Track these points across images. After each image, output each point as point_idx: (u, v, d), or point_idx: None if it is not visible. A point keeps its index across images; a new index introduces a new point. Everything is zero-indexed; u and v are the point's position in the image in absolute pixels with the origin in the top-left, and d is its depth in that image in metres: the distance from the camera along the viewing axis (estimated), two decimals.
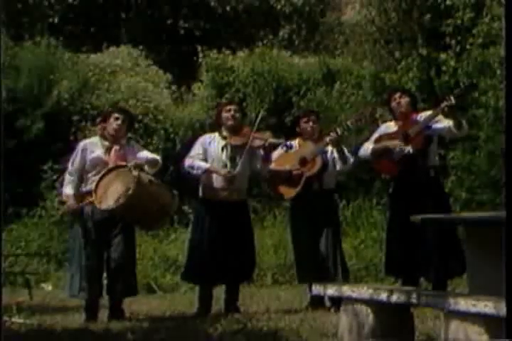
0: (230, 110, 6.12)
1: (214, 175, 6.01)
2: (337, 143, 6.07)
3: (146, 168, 5.80)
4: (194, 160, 6.05)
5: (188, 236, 6.57)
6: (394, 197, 6.14)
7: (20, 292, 5.90)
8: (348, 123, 6.19)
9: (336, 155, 6.15)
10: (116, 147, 5.81)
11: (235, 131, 6.08)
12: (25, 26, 14.41)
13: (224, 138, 6.09)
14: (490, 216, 4.53)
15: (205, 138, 6.20)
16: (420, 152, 5.86)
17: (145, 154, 5.98)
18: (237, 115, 6.15)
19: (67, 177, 5.89)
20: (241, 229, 6.06)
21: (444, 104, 5.67)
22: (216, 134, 6.17)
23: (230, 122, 6.08)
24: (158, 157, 6.09)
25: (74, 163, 5.84)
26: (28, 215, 10.18)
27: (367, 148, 6.12)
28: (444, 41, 9.59)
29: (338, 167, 6.17)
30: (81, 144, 5.94)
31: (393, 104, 6.07)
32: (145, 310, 6.34)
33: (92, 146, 5.86)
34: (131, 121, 6.19)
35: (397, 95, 6.07)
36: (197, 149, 6.12)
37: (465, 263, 5.10)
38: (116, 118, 5.85)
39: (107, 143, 5.84)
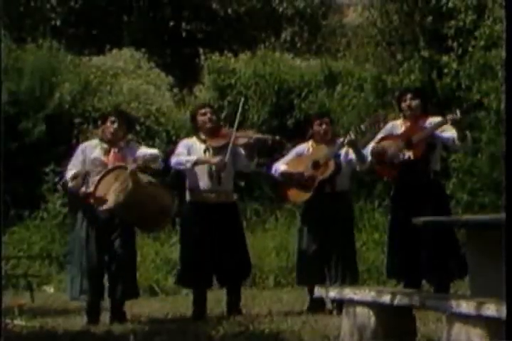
0: (205, 113, 6.12)
1: (200, 178, 5.98)
2: (354, 144, 6.01)
3: (148, 164, 5.81)
4: (180, 157, 6.04)
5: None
6: (395, 199, 6.13)
7: (22, 294, 5.91)
8: (362, 126, 6.13)
9: (352, 156, 6.09)
10: (114, 149, 5.84)
11: (213, 133, 6.08)
12: (28, 29, 14.41)
13: (203, 141, 6.09)
14: (490, 218, 4.52)
15: (187, 141, 6.22)
16: (421, 159, 5.84)
17: (143, 151, 5.97)
18: (214, 117, 6.15)
19: (69, 172, 5.89)
20: (232, 231, 6.02)
21: (449, 117, 5.63)
22: (194, 138, 6.18)
23: (207, 125, 6.08)
24: (156, 151, 6.09)
25: (74, 164, 5.87)
26: (30, 217, 10.17)
27: (369, 146, 6.07)
28: (446, 43, 9.57)
29: (357, 167, 6.14)
30: (81, 146, 6.01)
31: (403, 105, 6.01)
32: (147, 312, 6.34)
33: (92, 148, 5.90)
34: (129, 123, 6.20)
35: (408, 97, 5.98)
36: (181, 149, 6.12)
37: (466, 265, 5.09)
38: (113, 122, 5.89)
39: (106, 146, 5.87)
